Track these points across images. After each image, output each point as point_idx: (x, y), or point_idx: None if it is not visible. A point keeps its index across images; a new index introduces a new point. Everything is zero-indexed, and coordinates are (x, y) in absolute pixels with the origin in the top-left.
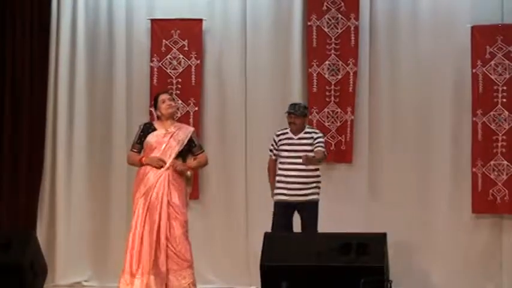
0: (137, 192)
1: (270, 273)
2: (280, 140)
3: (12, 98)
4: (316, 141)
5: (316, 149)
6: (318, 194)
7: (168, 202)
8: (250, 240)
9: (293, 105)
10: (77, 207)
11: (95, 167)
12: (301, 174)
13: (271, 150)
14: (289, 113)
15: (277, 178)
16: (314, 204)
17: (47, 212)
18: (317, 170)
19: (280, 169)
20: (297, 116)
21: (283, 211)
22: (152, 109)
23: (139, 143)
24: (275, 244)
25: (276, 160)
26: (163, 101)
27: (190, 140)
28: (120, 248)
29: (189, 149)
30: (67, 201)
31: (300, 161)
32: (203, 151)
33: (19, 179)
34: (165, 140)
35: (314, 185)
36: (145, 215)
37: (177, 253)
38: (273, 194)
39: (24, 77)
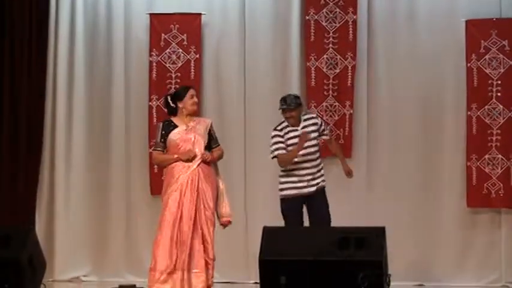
0: (168, 190)
1: (268, 267)
2: (285, 134)
3: (11, 93)
4: (322, 127)
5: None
6: (324, 180)
7: (203, 200)
8: (249, 234)
9: (283, 100)
10: (76, 202)
11: (94, 162)
12: (312, 164)
13: (280, 148)
14: (283, 109)
15: (288, 173)
16: (323, 191)
17: (46, 207)
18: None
19: (296, 163)
20: (292, 109)
21: (296, 206)
22: (169, 99)
23: (163, 141)
24: (274, 238)
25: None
26: (192, 97)
27: (209, 133)
28: (119, 242)
29: (209, 142)
30: (66, 196)
31: (309, 151)
32: (219, 144)
33: (17, 174)
34: (190, 137)
35: (322, 172)
36: (179, 212)
37: (207, 248)
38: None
39: (23, 71)
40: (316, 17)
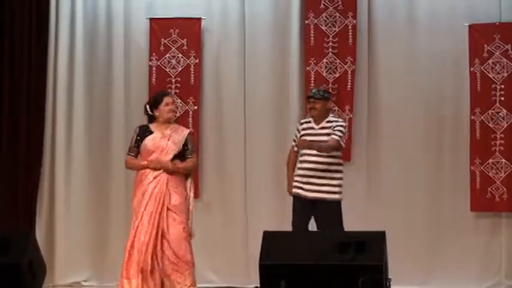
0: (136, 195)
1: (269, 272)
2: (303, 129)
3: (11, 98)
4: (334, 129)
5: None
6: (337, 193)
7: (165, 204)
8: (249, 239)
9: (312, 90)
10: (76, 207)
11: (94, 167)
12: (318, 167)
13: (294, 141)
14: (308, 97)
15: (296, 171)
16: (331, 204)
17: (46, 212)
18: (339, 165)
19: (299, 161)
20: (316, 99)
21: (300, 207)
22: (147, 107)
23: (137, 146)
24: (274, 243)
25: (297, 152)
26: (167, 104)
27: (185, 142)
28: (119, 247)
29: (182, 152)
30: (66, 201)
31: (310, 152)
32: (194, 156)
33: (18, 179)
34: (163, 144)
35: (334, 182)
36: (144, 218)
37: (178, 256)
38: (290, 187)
39: (23, 77)
40: (315, 21)
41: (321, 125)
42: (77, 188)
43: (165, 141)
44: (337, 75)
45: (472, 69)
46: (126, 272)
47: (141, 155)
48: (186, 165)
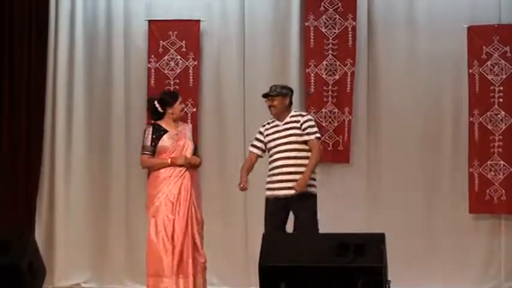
0: (158, 193)
1: (268, 273)
2: (266, 131)
3: (10, 101)
4: (304, 125)
5: (307, 138)
6: (310, 186)
7: (193, 203)
8: (249, 240)
9: (270, 88)
10: (76, 208)
11: (94, 168)
12: (289, 163)
13: (252, 146)
14: (264, 96)
15: (268, 173)
16: (308, 197)
17: (46, 213)
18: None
19: (270, 162)
20: (273, 97)
21: (273, 209)
22: (157, 104)
23: (154, 145)
24: (274, 244)
25: (257, 157)
26: (181, 103)
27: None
28: (119, 249)
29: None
30: (66, 202)
31: (287, 148)
32: (198, 151)
33: (17, 180)
34: (181, 142)
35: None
36: (169, 218)
37: (200, 252)
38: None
39: (22, 80)
40: (315, 23)
41: (285, 121)
42: (76, 189)
43: (182, 139)
44: (336, 77)
45: (470, 71)
46: (158, 270)
47: (158, 153)
48: (201, 159)
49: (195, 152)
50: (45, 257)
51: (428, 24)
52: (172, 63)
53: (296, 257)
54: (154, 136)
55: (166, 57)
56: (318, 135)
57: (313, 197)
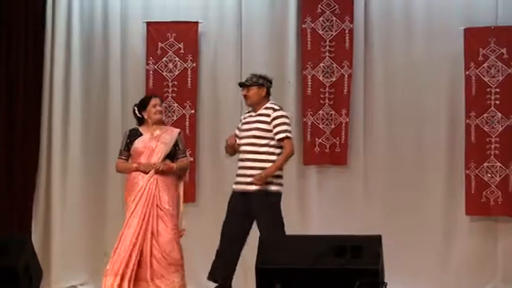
0: (128, 198)
1: (265, 275)
2: (243, 120)
3: (7, 103)
4: (274, 122)
5: (278, 136)
6: (271, 183)
7: (157, 205)
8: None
9: (245, 81)
10: (73, 210)
11: (91, 171)
12: (249, 157)
13: (235, 134)
14: (240, 85)
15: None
16: (261, 195)
17: (42, 215)
18: (273, 154)
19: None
20: (248, 86)
21: (233, 202)
22: (135, 109)
23: (127, 149)
24: (270, 246)
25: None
26: (155, 106)
27: (176, 143)
28: None
29: (174, 152)
30: (62, 205)
31: (250, 142)
32: (186, 155)
33: (14, 183)
34: (152, 144)
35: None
36: (134, 219)
37: (166, 257)
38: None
39: (19, 81)
40: (312, 25)
41: (258, 113)
42: (73, 191)
43: (154, 142)
44: (334, 79)
45: (467, 72)
46: (109, 269)
47: (132, 157)
48: (179, 164)
49: (177, 156)
50: (42, 259)
51: (425, 26)
52: (170, 65)
53: (293, 258)
54: (128, 140)
55: (164, 59)
56: (289, 134)
57: (273, 195)
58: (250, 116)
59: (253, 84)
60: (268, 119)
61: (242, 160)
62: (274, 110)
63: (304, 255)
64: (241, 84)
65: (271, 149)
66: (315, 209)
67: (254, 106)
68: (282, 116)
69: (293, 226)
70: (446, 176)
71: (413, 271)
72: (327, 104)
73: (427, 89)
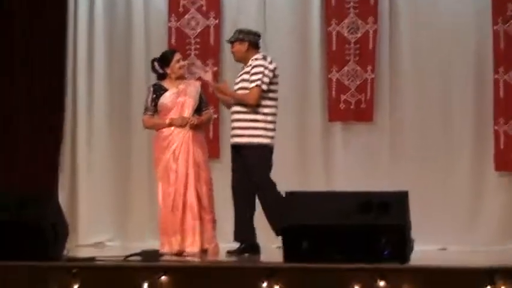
0: (163, 155)
1: (291, 232)
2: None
3: (30, 63)
4: (251, 71)
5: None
6: (259, 136)
7: (195, 160)
8: None
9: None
10: (99, 167)
11: (116, 128)
12: (237, 109)
13: None
14: (228, 42)
15: None
16: (251, 148)
17: (69, 172)
18: (266, 107)
19: None
20: (232, 42)
21: (231, 156)
22: (156, 64)
23: (154, 105)
24: (296, 203)
25: None
26: (178, 61)
27: (199, 96)
28: (142, 207)
29: (199, 105)
30: (89, 161)
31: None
32: (208, 108)
33: (40, 139)
34: (181, 99)
35: (255, 125)
36: (176, 177)
37: (204, 210)
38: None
39: (42, 39)
40: None
41: (244, 70)
42: (99, 147)
43: (182, 97)
44: (359, 35)
45: (495, 27)
46: (169, 230)
47: (158, 113)
48: (206, 117)
49: (201, 109)
50: (69, 216)
51: None
52: (192, 23)
53: (319, 215)
54: (154, 96)
55: (186, 16)
56: (258, 82)
57: (262, 147)
58: (241, 70)
59: (236, 40)
60: (249, 69)
61: (234, 112)
62: (256, 59)
63: (330, 212)
64: (228, 41)
65: (264, 102)
66: (340, 166)
67: (242, 61)
68: (257, 66)
69: (318, 183)
70: (474, 131)
71: (441, 227)
72: (352, 60)
73: (453, 44)
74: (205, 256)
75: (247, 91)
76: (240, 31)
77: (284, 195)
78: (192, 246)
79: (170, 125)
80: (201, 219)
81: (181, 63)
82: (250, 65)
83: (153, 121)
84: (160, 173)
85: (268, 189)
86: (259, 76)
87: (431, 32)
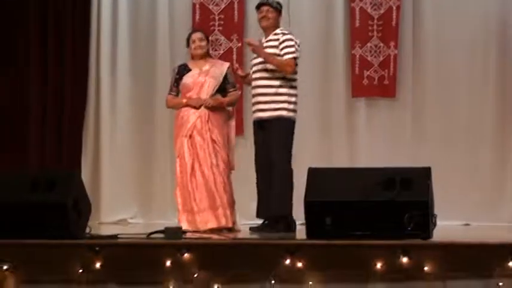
0: (180, 134)
1: (313, 208)
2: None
3: (55, 41)
4: (282, 44)
5: (284, 57)
6: (283, 109)
7: (212, 140)
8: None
9: None
10: (122, 144)
11: (139, 106)
12: (261, 83)
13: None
14: (260, 5)
15: None
16: (275, 122)
17: (92, 150)
18: (291, 80)
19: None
20: (272, 8)
21: (254, 132)
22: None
23: (176, 85)
24: (318, 179)
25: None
26: (194, 41)
27: (225, 77)
28: (165, 185)
29: (224, 86)
30: (111, 139)
31: (261, 68)
32: (236, 89)
33: (63, 118)
34: (201, 79)
35: (278, 98)
36: (191, 154)
37: (225, 189)
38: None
39: (67, 19)
40: None
41: (268, 38)
42: (122, 126)
43: (203, 77)
44: (382, 11)
45: None
46: (183, 206)
47: (181, 92)
48: (230, 99)
49: (227, 90)
50: (92, 194)
51: None
52: None
53: (342, 191)
54: (178, 76)
55: None
56: (296, 54)
57: (286, 121)
58: (260, 41)
59: (276, 7)
60: (276, 43)
61: (255, 87)
62: (284, 34)
63: (353, 188)
64: (264, 3)
65: (282, 74)
66: (364, 142)
67: (268, 30)
68: (289, 39)
69: (342, 159)
70: (496, 108)
71: (464, 203)
72: (375, 36)
73: (476, 19)
74: (227, 233)
75: (269, 65)
76: (277, 2)
77: (308, 171)
78: (204, 223)
79: (187, 105)
80: (216, 198)
81: (197, 43)
82: (277, 38)
83: (174, 101)
84: (177, 151)
85: (281, 169)
86: (294, 49)
87: (454, 9)
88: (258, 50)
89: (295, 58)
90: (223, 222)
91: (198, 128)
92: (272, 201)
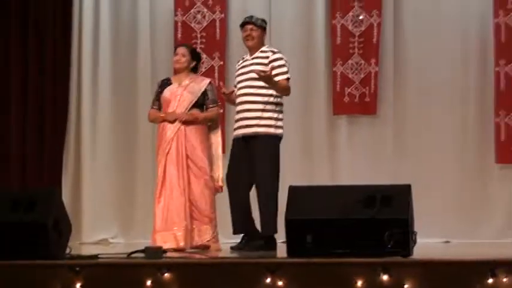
0: (159, 149)
1: (294, 226)
2: (238, 67)
3: (36, 51)
4: (273, 63)
5: (277, 78)
6: (270, 126)
7: (187, 156)
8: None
9: (249, 17)
10: (103, 164)
11: (120, 122)
12: (248, 99)
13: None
14: (244, 24)
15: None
16: (262, 138)
17: (72, 169)
18: (277, 97)
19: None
20: (256, 26)
21: (235, 149)
22: None
23: (158, 99)
24: (299, 197)
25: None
26: (176, 55)
27: (204, 92)
28: (146, 204)
29: (203, 102)
30: (92, 158)
31: (248, 84)
32: (215, 106)
33: (43, 136)
34: (179, 93)
35: (266, 114)
36: (167, 171)
37: (197, 208)
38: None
39: (48, 29)
40: None
41: (254, 55)
42: (103, 145)
43: (181, 91)
44: (363, 28)
45: (496, 20)
46: (157, 225)
47: (162, 106)
48: (206, 115)
49: (206, 105)
50: (72, 213)
51: None
52: (199, 16)
53: (322, 209)
54: (160, 90)
55: (192, 10)
56: (288, 75)
57: (273, 138)
58: (246, 61)
59: (261, 25)
60: (265, 61)
61: (241, 103)
62: (274, 52)
63: (333, 205)
64: (248, 22)
65: (270, 91)
66: (345, 159)
67: (253, 49)
68: (280, 59)
69: (323, 176)
70: (476, 124)
71: (444, 220)
72: (356, 53)
73: (456, 37)
74: (207, 253)
75: (257, 82)
76: (262, 19)
77: (288, 189)
78: (163, 243)
79: (164, 119)
80: (193, 216)
81: (176, 58)
82: (266, 56)
83: (154, 115)
84: (156, 166)
85: (268, 183)
86: (286, 69)
87: (434, 26)
88: (268, 79)
89: (288, 79)
90: (198, 242)
91: (174, 144)
92: (261, 220)
